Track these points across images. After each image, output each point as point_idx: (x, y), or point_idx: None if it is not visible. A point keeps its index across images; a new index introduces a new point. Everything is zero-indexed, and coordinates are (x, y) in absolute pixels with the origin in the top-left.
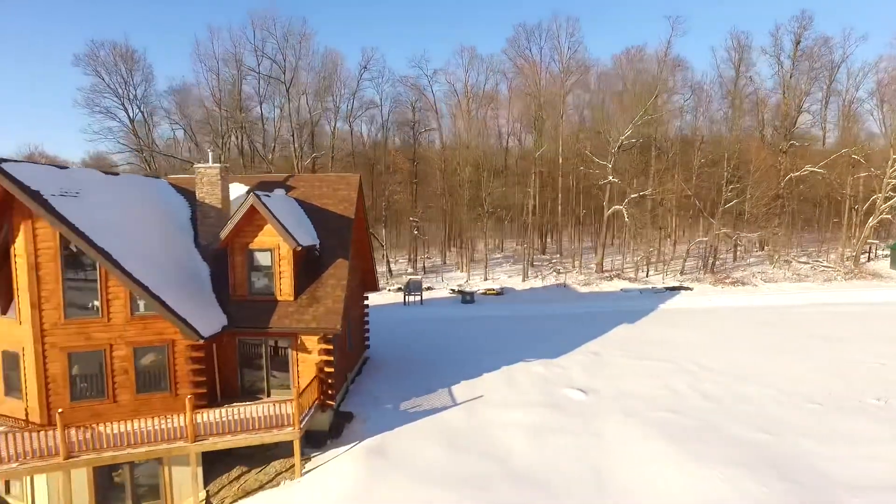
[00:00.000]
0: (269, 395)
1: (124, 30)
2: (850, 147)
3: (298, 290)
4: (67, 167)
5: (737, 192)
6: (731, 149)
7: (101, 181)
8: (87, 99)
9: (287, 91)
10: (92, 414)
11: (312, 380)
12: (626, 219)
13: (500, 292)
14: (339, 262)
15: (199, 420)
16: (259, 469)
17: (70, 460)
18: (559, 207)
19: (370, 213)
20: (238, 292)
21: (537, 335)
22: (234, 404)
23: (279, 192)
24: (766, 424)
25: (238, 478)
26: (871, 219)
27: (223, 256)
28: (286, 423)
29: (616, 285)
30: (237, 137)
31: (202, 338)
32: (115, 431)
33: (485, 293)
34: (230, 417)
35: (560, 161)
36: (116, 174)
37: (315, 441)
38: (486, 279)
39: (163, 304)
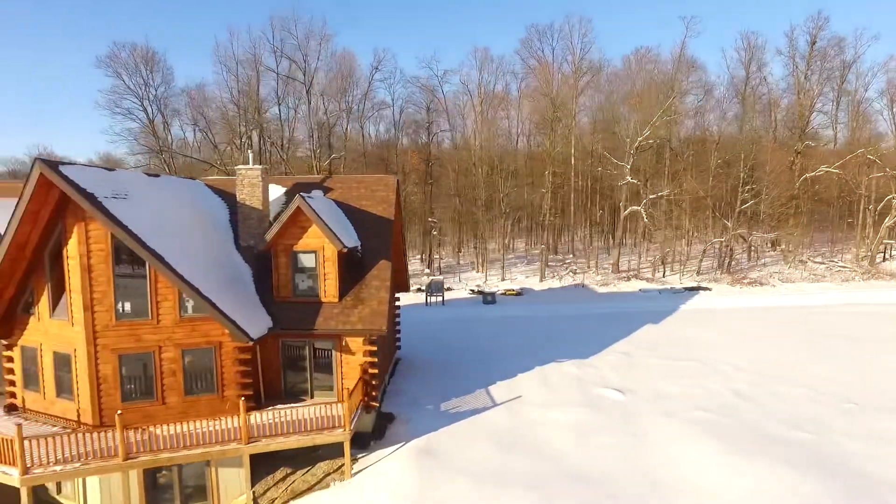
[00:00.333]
0: (312, 397)
1: (144, 31)
2: (862, 147)
3: (343, 291)
4: (114, 169)
5: (753, 192)
6: (746, 149)
7: (145, 183)
8: (108, 100)
9: (307, 92)
10: (142, 415)
11: (358, 381)
12: (646, 219)
13: (520, 293)
14: (381, 264)
15: (251, 422)
16: (305, 470)
17: (128, 461)
18: (571, 208)
19: None
20: (282, 294)
21: (564, 335)
22: (279, 406)
23: (317, 193)
24: (804, 423)
25: (283, 479)
26: (886, 219)
27: (264, 258)
28: (337, 425)
29: (634, 286)
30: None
31: (251, 340)
32: (170, 433)
33: (504, 294)
34: (282, 419)
35: (573, 161)
36: (157, 175)
37: (359, 442)
38: (503, 279)
39: (214, 306)
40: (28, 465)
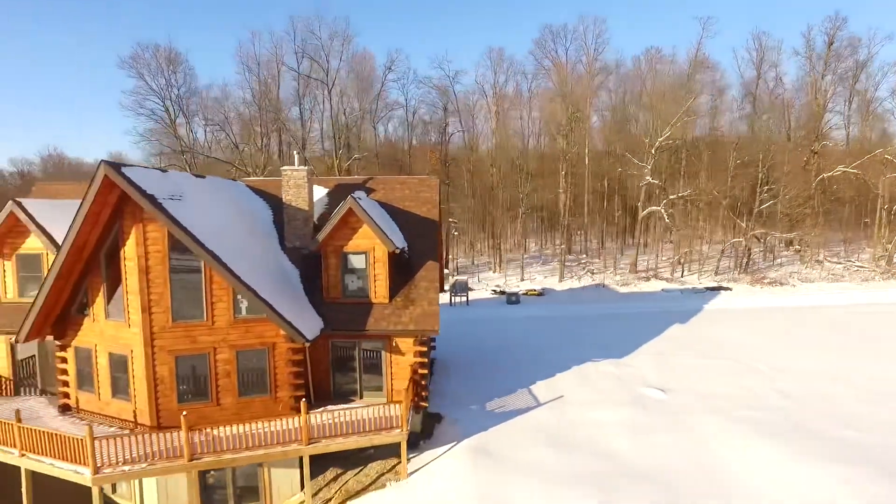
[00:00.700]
0: (361, 398)
1: (168, 31)
2: (874, 146)
3: (392, 292)
4: (166, 171)
5: (772, 193)
6: (763, 149)
7: (194, 184)
8: (132, 101)
9: (329, 92)
10: (198, 416)
11: (409, 382)
12: (667, 219)
13: (542, 293)
14: (429, 265)
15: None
16: (356, 471)
17: (193, 462)
18: (585, 208)
19: None
20: (331, 295)
21: (593, 335)
22: (329, 407)
23: (360, 194)
24: (854, 422)
25: (334, 479)
26: None
27: (311, 259)
28: (395, 425)
29: (654, 286)
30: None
31: (307, 341)
32: (230, 434)
33: (526, 294)
34: (341, 420)
35: (587, 161)
36: (203, 177)
37: (408, 442)
38: (522, 279)
39: (271, 308)
40: (98, 465)
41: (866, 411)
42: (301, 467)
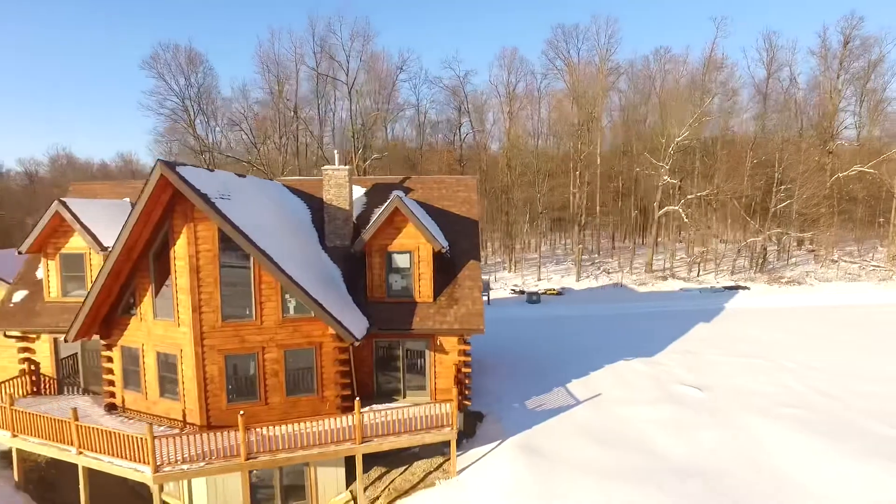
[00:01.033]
0: (404, 397)
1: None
2: (887, 146)
3: (436, 291)
4: (214, 170)
5: (788, 192)
6: (779, 149)
7: (238, 183)
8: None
9: (349, 91)
10: (247, 416)
11: (454, 380)
12: (685, 219)
13: (561, 292)
14: (471, 264)
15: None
16: (403, 469)
17: (249, 461)
18: (597, 208)
19: None
20: (375, 294)
21: (619, 334)
22: (375, 406)
23: (398, 194)
24: None
25: (379, 478)
26: None
27: (353, 258)
28: (444, 424)
29: (672, 285)
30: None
31: (357, 340)
32: (282, 433)
33: (546, 293)
34: (392, 418)
35: (598, 161)
36: (244, 176)
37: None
38: (539, 279)
39: (322, 307)
40: (158, 464)
41: None
42: (346, 466)
